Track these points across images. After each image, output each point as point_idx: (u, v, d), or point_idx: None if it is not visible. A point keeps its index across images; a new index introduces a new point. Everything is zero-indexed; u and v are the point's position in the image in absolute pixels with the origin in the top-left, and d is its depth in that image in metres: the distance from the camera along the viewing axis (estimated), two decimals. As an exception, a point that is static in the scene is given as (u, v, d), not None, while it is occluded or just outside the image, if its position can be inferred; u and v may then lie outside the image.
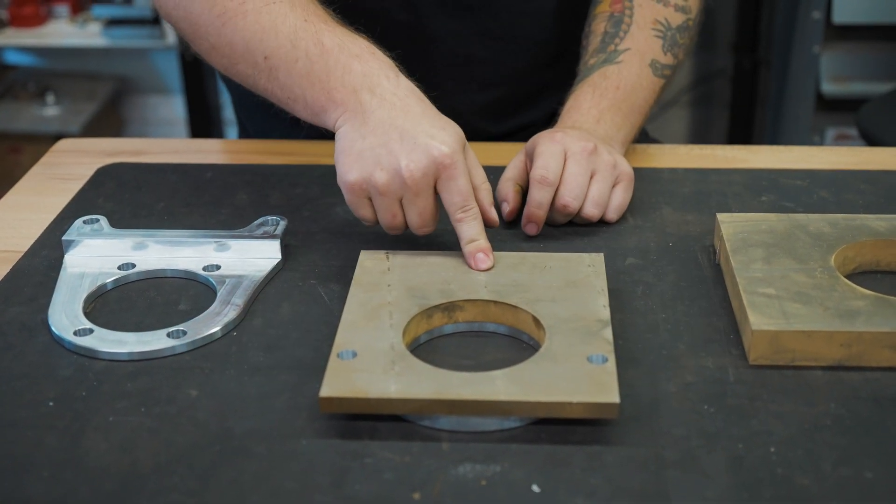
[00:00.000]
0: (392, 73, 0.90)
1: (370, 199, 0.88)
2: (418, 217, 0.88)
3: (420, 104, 0.89)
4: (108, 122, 2.98)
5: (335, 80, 0.89)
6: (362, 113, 0.88)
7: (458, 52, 1.17)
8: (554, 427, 0.72)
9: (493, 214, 0.91)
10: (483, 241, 0.88)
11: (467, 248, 0.87)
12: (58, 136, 2.71)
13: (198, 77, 2.76)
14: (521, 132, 1.23)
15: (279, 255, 0.93)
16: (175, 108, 3.06)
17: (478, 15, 1.16)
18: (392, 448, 0.70)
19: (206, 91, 2.78)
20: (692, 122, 3.08)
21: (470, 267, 0.87)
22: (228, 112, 2.89)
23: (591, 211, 0.96)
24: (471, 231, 0.87)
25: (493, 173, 1.05)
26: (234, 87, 1.31)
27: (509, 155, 1.04)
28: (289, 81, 0.91)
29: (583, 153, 0.95)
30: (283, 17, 0.91)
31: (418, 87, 0.90)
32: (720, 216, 0.94)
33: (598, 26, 1.12)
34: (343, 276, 0.90)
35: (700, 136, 3.08)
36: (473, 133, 1.20)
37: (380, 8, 1.13)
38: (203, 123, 2.81)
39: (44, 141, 2.74)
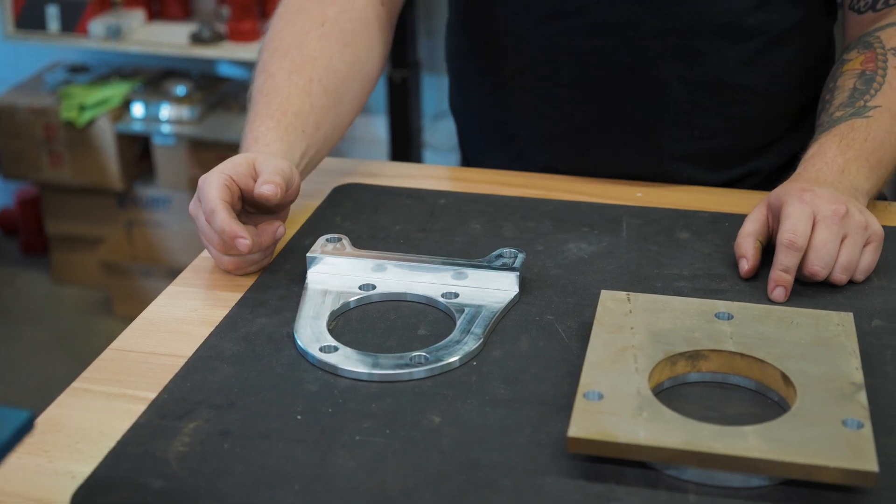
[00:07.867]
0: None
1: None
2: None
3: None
4: (310, 137, 3.04)
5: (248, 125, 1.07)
6: None
7: (682, 98, 1.15)
8: (803, 490, 0.70)
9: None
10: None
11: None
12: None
13: (403, 99, 2.81)
14: (741, 182, 1.21)
15: (517, 289, 0.93)
16: (376, 128, 3.11)
17: (706, 62, 1.14)
18: (639, 495, 0.69)
19: (409, 114, 2.83)
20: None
21: None
22: (428, 135, 2.93)
23: (840, 277, 0.94)
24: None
25: (721, 220, 1.03)
26: (458, 116, 1.33)
27: (728, 202, 1.02)
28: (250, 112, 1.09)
29: (834, 217, 0.93)
30: (278, 67, 1.09)
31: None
32: (976, 283, 0.90)
33: (847, 82, 1.09)
34: (579, 314, 0.90)
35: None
36: (690, 181, 1.18)
37: (609, 49, 1.13)
38: (403, 145, 2.86)
39: (251, 152, 2.82)
